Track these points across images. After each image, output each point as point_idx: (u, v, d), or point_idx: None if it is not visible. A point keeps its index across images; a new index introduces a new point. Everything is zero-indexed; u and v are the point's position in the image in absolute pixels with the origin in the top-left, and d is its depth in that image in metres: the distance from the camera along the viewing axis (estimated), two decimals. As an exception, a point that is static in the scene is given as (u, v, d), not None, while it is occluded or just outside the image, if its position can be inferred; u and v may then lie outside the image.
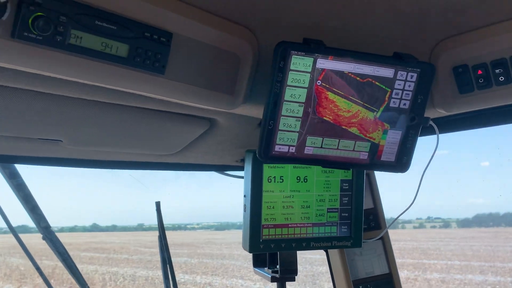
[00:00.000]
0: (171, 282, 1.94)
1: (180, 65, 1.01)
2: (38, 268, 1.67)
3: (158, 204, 1.89)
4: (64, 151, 1.53)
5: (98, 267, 19.47)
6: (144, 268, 18.10)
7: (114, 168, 1.74)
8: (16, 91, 1.01)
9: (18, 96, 1.04)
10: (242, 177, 1.95)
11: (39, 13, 0.76)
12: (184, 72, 1.02)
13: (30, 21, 0.75)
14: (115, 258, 22.55)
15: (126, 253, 24.46)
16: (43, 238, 1.63)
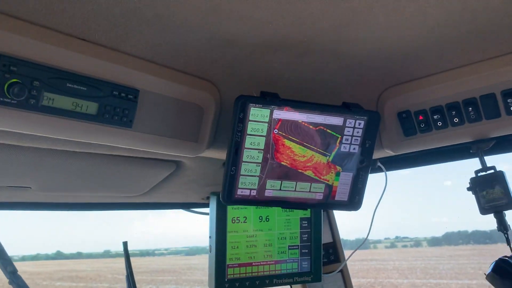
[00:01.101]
0: (139, 322, 1.94)
1: (147, 118, 1.08)
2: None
3: (125, 244, 1.91)
4: (33, 196, 1.55)
5: (84, 298, 18.00)
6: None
7: (83, 210, 1.77)
8: None
9: None
10: (207, 214, 2.01)
11: (14, 80, 0.82)
12: (151, 124, 1.10)
13: (5, 87, 0.82)
14: (96, 287, 20.99)
15: (105, 282, 22.78)
16: (10, 283, 1.61)
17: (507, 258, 1.27)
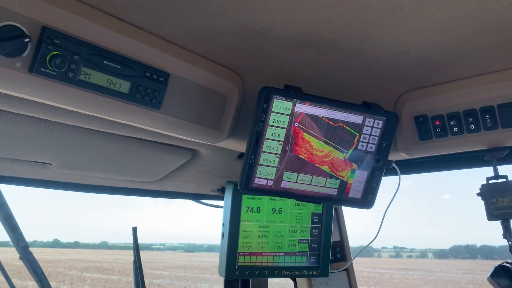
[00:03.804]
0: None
1: (174, 101, 1.11)
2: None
3: (134, 230, 1.94)
4: (50, 174, 1.58)
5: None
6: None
7: (97, 193, 1.80)
8: (12, 116, 1.09)
9: (14, 120, 1.11)
10: (216, 206, 2.04)
11: (56, 52, 0.86)
12: (177, 108, 1.13)
13: (48, 58, 0.85)
14: (125, 281, 19.51)
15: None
16: (21, 258, 1.64)
17: (507, 265, 1.30)
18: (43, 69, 0.85)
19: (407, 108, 1.37)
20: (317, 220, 1.55)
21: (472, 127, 1.27)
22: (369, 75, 1.27)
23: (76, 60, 0.89)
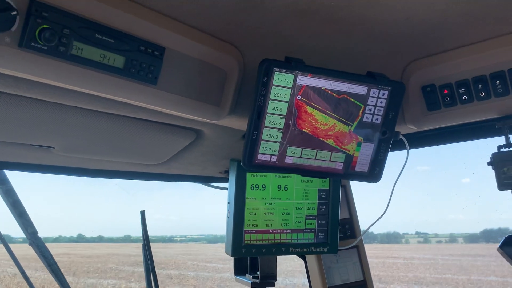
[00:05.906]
0: (153, 290, 1.98)
1: (171, 77, 1.09)
2: (24, 275, 1.70)
3: (143, 214, 1.94)
4: (55, 159, 1.58)
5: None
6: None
7: (102, 177, 1.80)
8: (13, 98, 1.07)
9: (15, 102, 1.10)
10: (225, 188, 2.03)
11: (45, 25, 0.84)
12: (175, 83, 1.11)
13: (37, 32, 0.83)
14: (196, 276, 17.97)
15: (194, 269, 19.69)
16: (30, 244, 1.66)
17: None
18: (33, 44, 0.83)
19: (414, 78, 1.32)
20: (324, 196, 1.53)
21: (482, 94, 1.23)
22: (373, 45, 1.22)
23: (66, 33, 0.87)
